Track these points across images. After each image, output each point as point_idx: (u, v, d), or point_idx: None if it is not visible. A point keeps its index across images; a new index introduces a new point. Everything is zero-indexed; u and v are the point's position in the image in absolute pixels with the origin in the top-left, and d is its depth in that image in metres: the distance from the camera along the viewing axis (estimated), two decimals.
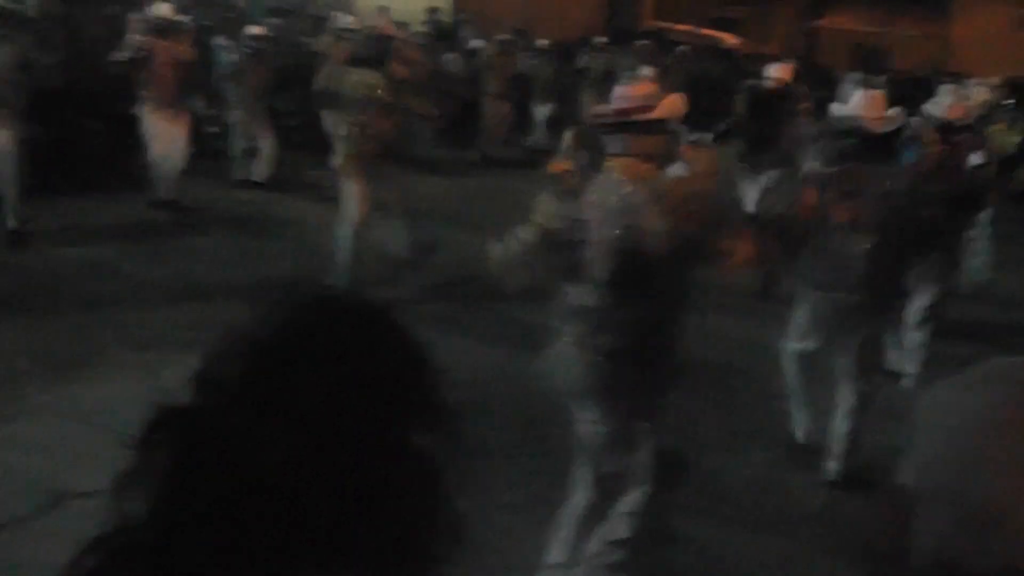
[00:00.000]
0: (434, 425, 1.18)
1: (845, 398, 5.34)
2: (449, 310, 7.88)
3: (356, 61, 8.66)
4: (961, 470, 0.97)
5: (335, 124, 8.46)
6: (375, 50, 8.56)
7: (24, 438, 5.33)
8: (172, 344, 6.67)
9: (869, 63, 25.85)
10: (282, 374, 1.12)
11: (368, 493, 1.11)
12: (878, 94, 5.34)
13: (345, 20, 13.04)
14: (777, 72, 9.46)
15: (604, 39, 18.15)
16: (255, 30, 11.67)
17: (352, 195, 8.16)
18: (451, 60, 16.03)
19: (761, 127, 8.55)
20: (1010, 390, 1.00)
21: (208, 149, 11.95)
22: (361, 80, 8.01)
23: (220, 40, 12.43)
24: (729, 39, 27.11)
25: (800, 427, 5.77)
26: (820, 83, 18.73)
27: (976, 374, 1.05)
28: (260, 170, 11.80)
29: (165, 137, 10.08)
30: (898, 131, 5.31)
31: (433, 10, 19.21)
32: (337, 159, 8.22)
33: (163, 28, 9.85)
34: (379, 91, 7.94)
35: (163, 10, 10.04)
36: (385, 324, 1.22)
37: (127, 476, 1.09)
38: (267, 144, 11.79)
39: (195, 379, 1.14)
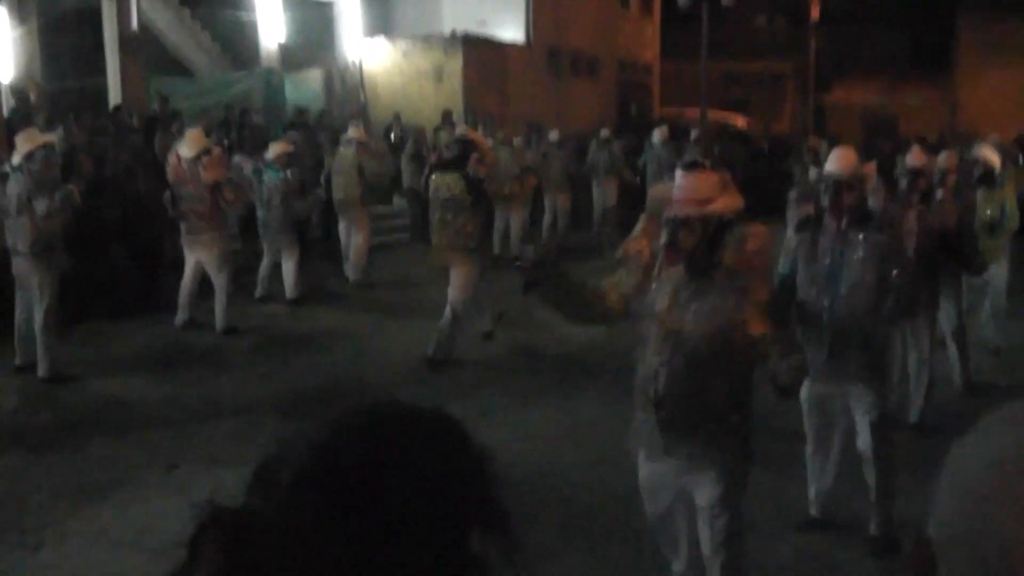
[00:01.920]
0: (491, 528, 1.17)
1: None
2: (495, 402, 7.99)
3: (441, 165, 9.71)
4: (975, 518, 0.96)
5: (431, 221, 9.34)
6: (458, 154, 9.44)
7: (55, 564, 5.37)
8: (203, 461, 6.77)
9: (877, 131, 26.10)
10: (337, 478, 1.11)
11: None
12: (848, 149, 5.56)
13: (353, 133, 13.31)
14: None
15: (608, 131, 18.42)
16: (276, 149, 11.80)
17: (453, 283, 9.08)
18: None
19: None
20: (1021, 433, 0.99)
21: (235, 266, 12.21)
22: (443, 182, 9.00)
23: (241, 159, 12.78)
24: (738, 120, 27.44)
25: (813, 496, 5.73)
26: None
27: (994, 419, 1.04)
28: (290, 287, 11.91)
29: (205, 262, 10.34)
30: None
31: (448, 113, 19.63)
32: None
33: (203, 153, 10.11)
34: (459, 191, 8.90)
35: (194, 136, 10.34)
36: (442, 428, 1.21)
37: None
38: (293, 260, 11.89)
39: (249, 482, 1.15)
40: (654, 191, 4.18)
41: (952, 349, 8.20)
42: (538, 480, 6.44)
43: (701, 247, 3.95)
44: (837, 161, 5.49)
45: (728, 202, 4.05)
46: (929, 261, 6.74)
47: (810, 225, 5.47)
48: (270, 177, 11.57)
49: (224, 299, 10.45)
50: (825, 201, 5.40)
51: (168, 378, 8.86)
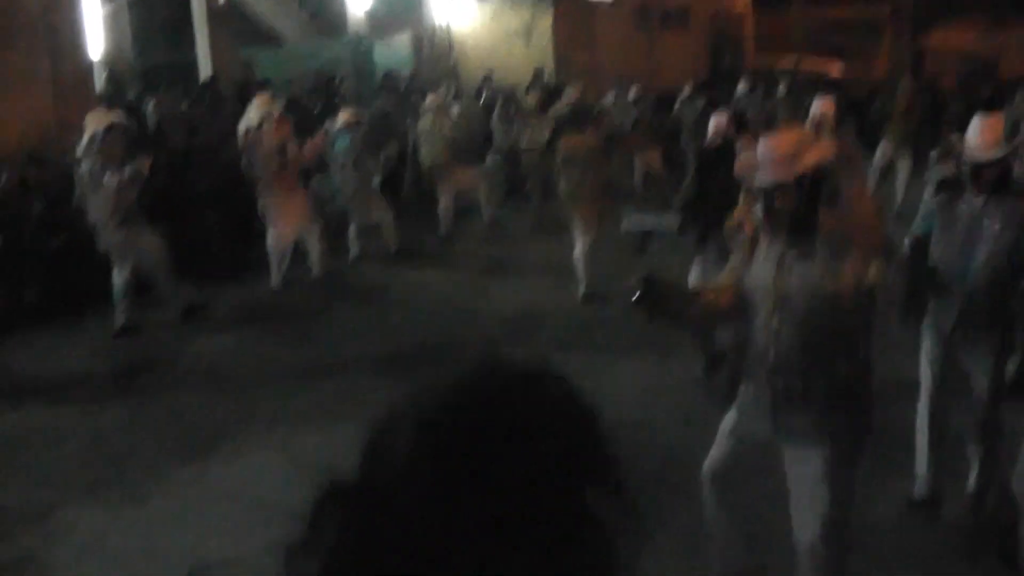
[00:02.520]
0: (607, 485, 1.17)
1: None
2: (591, 357, 7.93)
3: (566, 126, 10.91)
4: None
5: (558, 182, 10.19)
6: (581, 116, 10.66)
7: (162, 515, 5.51)
8: (303, 419, 6.88)
9: (974, 76, 25.22)
10: (452, 446, 1.10)
11: (546, 561, 1.09)
12: None
13: (431, 100, 13.36)
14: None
15: (689, 87, 18.02)
16: (343, 117, 11.85)
17: (578, 230, 9.81)
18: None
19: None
20: None
21: (329, 227, 12.33)
22: (572, 142, 9.93)
23: (330, 125, 12.86)
24: (834, 66, 26.74)
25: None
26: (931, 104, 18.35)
27: None
28: (389, 241, 12.08)
29: (287, 219, 10.46)
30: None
31: (539, 72, 19.47)
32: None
33: (265, 118, 10.23)
34: (585, 151, 9.77)
35: (259, 103, 10.45)
36: (551, 386, 1.20)
37: (295, 550, 1.10)
38: (386, 219, 12.04)
39: (363, 453, 1.14)
40: (740, 163, 4.02)
41: None
42: (633, 435, 6.38)
43: (800, 208, 3.78)
44: (978, 138, 5.01)
45: (817, 155, 3.85)
46: None
47: (948, 188, 5.19)
48: (340, 144, 11.67)
49: (316, 245, 10.66)
50: (970, 180, 5.04)
51: (265, 338, 8.99)
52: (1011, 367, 5.47)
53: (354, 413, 6.81)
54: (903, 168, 13.60)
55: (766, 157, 3.88)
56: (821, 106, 9.04)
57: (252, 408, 7.15)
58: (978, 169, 4.94)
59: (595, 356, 7.95)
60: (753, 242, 4.00)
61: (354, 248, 12.09)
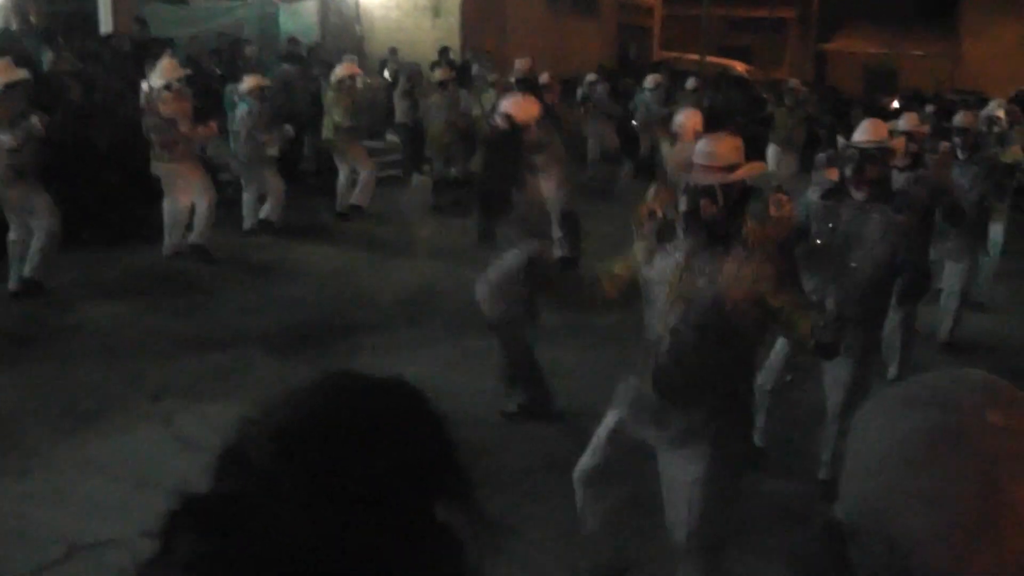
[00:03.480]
0: (457, 498, 1.19)
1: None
2: (483, 343, 7.97)
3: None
4: (882, 503, 0.98)
5: None
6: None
7: (39, 491, 5.38)
8: (188, 393, 6.78)
9: (876, 85, 25.98)
10: (305, 458, 1.11)
11: (397, 571, 1.11)
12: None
13: (340, 71, 13.11)
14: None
15: (594, 75, 18.13)
16: (249, 82, 11.62)
17: None
18: (465, 97, 16.07)
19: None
20: (929, 415, 1.00)
21: (222, 197, 12.13)
22: None
23: (232, 89, 12.62)
24: (739, 66, 27.22)
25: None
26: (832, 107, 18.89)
27: (897, 397, 1.05)
28: (271, 213, 11.93)
29: (180, 190, 10.29)
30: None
31: (444, 50, 19.37)
32: None
33: (165, 86, 10.02)
34: None
35: (165, 66, 10.22)
36: (403, 399, 1.22)
37: (148, 566, 1.09)
38: (275, 192, 11.90)
39: (219, 465, 1.14)
40: (675, 152, 4.06)
41: (949, 304, 8.23)
42: (517, 423, 6.46)
43: (722, 215, 3.85)
44: (865, 132, 5.45)
45: (750, 168, 3.95)
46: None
47: (833, 194, 5.42)
48: (242, 109, 11.48)
49: (203, 218, 10.48)
50: (848, 171, 5.34)
51: (156, 307, 8.83)
52: None
53: (241, 388, 6.77)
54: (784, 169, 13.86)
55: (702, 158, 3.93)
56: (687, 116, 8.86)
57: (137, 380, 7.02)
58: (861, 163, 5.21)
59: (489, 340, 7.99)
60: (660, 234, 4.02)
61: (248, 219, 11.91)
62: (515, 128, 6.50)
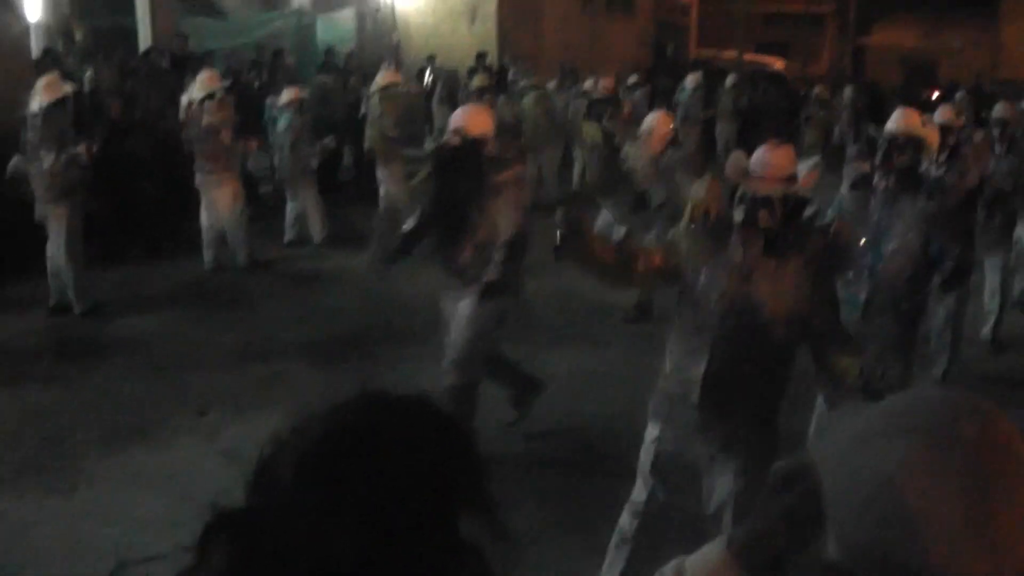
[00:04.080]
0: (480, 513, 1.21)
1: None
2: (521, 346, 7.98)
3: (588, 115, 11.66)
4: (879, 541, 0.99)
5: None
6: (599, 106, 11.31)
7: (88, 508, 5.44)
8: (232, 406, 6.84)
9: (915, 77, 25.68)
10: (335, 474, 1.15)
11: None
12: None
13: (380, 80, 13.13)
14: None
15: (635, 77, 18.07)
16: (287, 95, 11.68)
17: None
18: (502, 104, 16.03)
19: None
20: (904, 443, 1.00)
21: (263, 210, 12.22)
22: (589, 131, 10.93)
23: (272, 102, 12.71)
24: (776, 62, 27.03)
25: None
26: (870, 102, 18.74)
27: (867, 431, 1.05)
28: (316, 232, 11.97)
29: (217, 203, 10.39)
30: None
31: (482, 55, 19.42)
32: None
33: (207, 96, 10.13)
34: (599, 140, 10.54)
35: (206, 79, 10.33)
36: (429, 417, 1.25)
37: None
38: (311, 204, 11.93)
39: (252, 479, 1.18)
40: (733, 159, 4.02)
41: (991, 303, 8.14)
42: (560, 424, 6.48)
43: (779, 226, 3.83)
44: (895, 120, 5.44)
45: (808, 178, 3.94)
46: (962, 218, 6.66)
47: (864, 183, 5.39)
48: (282, 123, 11.55)
49: (240, 236, 10.56)
50: (877, 159, 5.33)
51: (199, 320, 8.91)
52: None
53: (285, 400, 6.82)
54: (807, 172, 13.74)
55: (760, 168, 3.91)
56: (656, 120, 8.88)
57: (181, 394, 7.09)
58: (888, 151, 5.18)
59: (529, 343, 8.03)
60: (716, 236, 3.99)
61: (290, 232, 11.99)
62: (469, 144, 5.82)
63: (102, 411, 6.77)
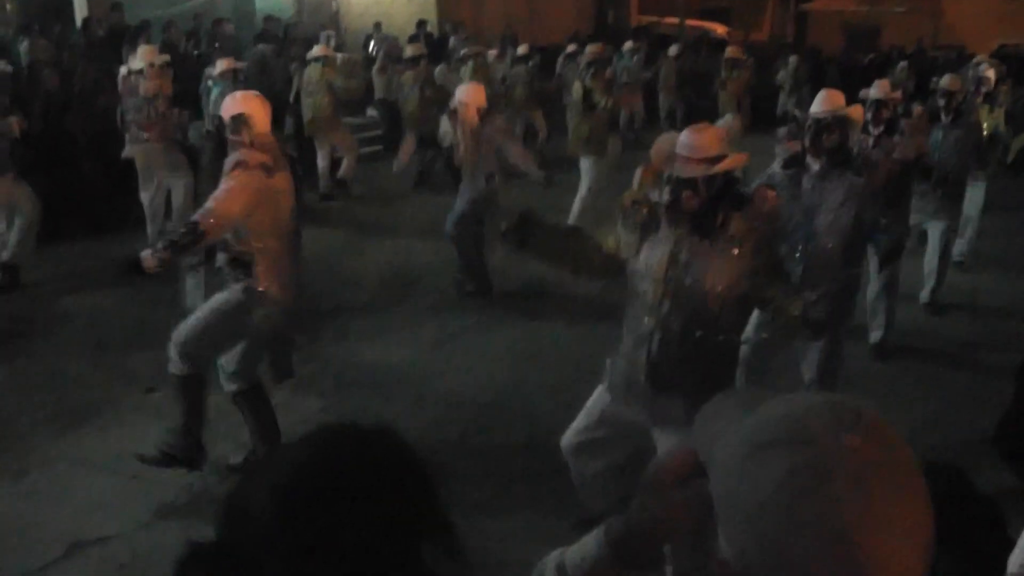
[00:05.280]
0: (441, 539, 1.26)
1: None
2: (461, 323, 8.13)
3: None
4: (768, 552, 1.01)
5: None
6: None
7: (38, 489, 5.46)
8: None
9: (857, 43, 25.90)
10: (308, 511, 1.19)
11: None
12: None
13: (319, 50, 13.04)
14: None
15: (574, 45, 18.00)
16: (221, 65, 11.46)
17: None
18: (441, 73, 15.98)
19: None
20: (789, 454, 1.02)
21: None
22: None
23: (209, 71, 12.55)
24: (719, 29, 27.16)
25: None
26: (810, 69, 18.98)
27: (755, 441, 1.06)
28: None
29: (154, 172, 10.26)
30: None
31: (422, 23, 19.30)
32: None
33: (141, 70, 10.00)
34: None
35: (146, 51, 10.21)
36: (389, 450, 1.30)
37: None
38: None
39: (222, 514, 1.23)
40: (659, 143, 4.09)
41: (933, 264, 8.32)
42: (504, 401, 6.59)
43: (705, 207, 3.90)
44: (820, 102, 5.61)
45: (733, 160, 3.96)
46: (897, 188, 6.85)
47: (796, 163, 5.54)
48: (216, 93, 11.39)
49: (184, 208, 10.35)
50: (807, 141, 5.48)
51: (141, 298, 8.84)
52: None
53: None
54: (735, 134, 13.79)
55: (684, 149, 3.96)
56: (468, 92, 8.68)
57: (128, 372, 7.08)
58: (817, 132, 5.39)
59: (468, 321, 8.13)
60: (647, 225, 4.08)
61: None
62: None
63: (49, 391, 6.76)
